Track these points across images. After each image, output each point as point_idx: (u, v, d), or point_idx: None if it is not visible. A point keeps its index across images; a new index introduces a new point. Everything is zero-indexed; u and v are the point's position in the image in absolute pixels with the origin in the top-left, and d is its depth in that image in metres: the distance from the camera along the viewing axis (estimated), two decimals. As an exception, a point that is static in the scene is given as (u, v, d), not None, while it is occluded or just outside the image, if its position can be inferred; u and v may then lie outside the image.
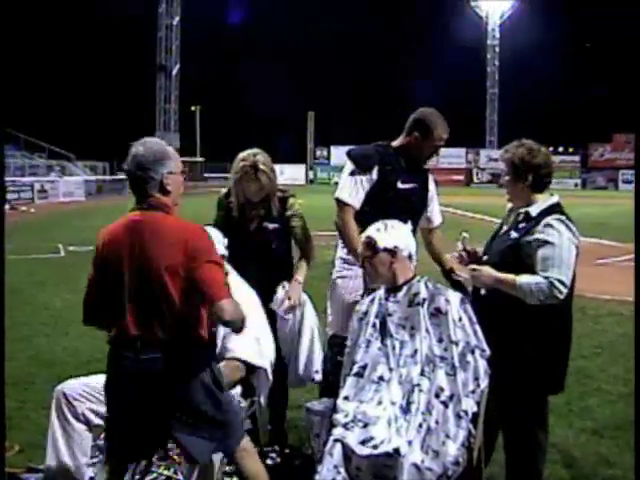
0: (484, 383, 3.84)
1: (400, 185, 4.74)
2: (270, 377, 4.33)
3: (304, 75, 72.88)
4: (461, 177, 69.69)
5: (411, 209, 4.78)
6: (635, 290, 3.54)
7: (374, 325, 4.04)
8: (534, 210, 4.14)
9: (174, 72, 58.82)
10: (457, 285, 4.70)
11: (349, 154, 4.88)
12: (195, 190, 56.38)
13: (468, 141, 71.60)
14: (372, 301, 4.14)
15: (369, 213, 4.56)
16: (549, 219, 4.04)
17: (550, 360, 4.13)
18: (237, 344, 4.18)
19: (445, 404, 3.74)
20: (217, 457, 3.89)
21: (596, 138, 62.75)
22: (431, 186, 5.04)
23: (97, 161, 53.77)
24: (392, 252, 4.04)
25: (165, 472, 4.60)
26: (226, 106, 72.59)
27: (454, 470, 3.61)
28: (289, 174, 55.64)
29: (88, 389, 4.17)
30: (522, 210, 4.19)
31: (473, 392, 3.80)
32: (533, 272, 3.98)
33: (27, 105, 56.22)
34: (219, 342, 4.22)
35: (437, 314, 3.94)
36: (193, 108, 67.23)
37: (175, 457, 4.80)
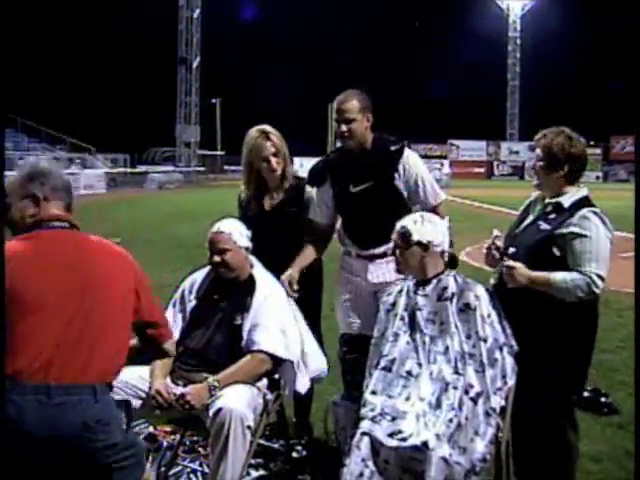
0: (511, 381, 3.81)
1: (352, 189, 4.65)
2: (296, 370, 4.31)
3: (323, 67, 72.71)
4: (482, 170, 69.49)
5: (372, 208, 4.61)
6: (635, 288, 3.52)
7: (402, 318, 4.01)
8: (566, 201, 4.00)
9: (194, 65, 58.84)
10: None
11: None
12: (215, 182, 56.76)
13: (489, 134, 71.39)
14: (400, 292, 4.11)
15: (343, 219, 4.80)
16: (585, 212, 3.91)
17: (578, 356, 4.04)
18: (263, 337, 4.17)
19: (474, 401, 3.71)
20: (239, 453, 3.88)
21: (618, 131, 62.25)
22: (408, 170, 4.66)
23: (118, 153, 53.92)
24: (425, 247, 3.98)
25: (190, 465, 4.64)
26: (246, 99, 72.55)
27: (481, 467, 3.58)
28: (309, 167, 55.58)
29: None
30: (552, 200, 4.06)
31: (500, 389, 3.77)
32: (564, 266, 3.89)
33: (48, 98, 56.51)
34: (244, 335, 4.21)
35: (466, 310, 3.90)
36: (214, 101, 67.20)
37: (200, 449, 4.85)
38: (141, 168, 53.03)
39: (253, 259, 4.48)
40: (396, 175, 4.59)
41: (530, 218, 4.19)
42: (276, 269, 4.57)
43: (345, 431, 4.01)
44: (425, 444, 3.46)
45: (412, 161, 4.69)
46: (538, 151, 4.07)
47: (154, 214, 26.12)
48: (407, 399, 3.77)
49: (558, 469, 4.13)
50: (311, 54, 72.66)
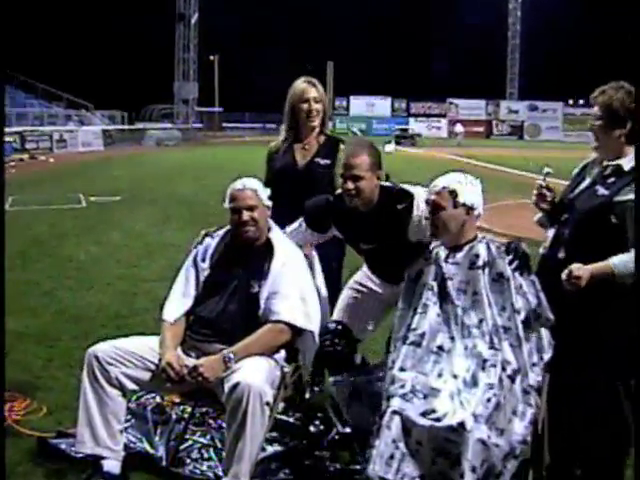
0: (547, 355, 3.56)
1: (363, 246, 4.34)
2: (317, 340, 4.07)
3: (323, 25, 71.94)
4: (481, 129, 69.20)
5: (388, 259, 4.29)
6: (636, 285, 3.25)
7: (432, 288, 3.73)
8: (627, 164, 3.61)
9: (193, 21, 57.95)
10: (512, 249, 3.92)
11: None
12: (214, 140, 56.39)
13: (488, 93, 70.85)
14: (427, 260, 3.82)
15: None
16: None
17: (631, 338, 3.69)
18: (282, 305, 3.91)
19: (512, 378, 3.45)
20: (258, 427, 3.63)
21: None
22: (420, 222, 4.27)
23: (115, 110, 53.31)
24: (469, 209, 3.72)
25: (201, 440, 4.39)
26: (245, 56, 71.82)
27: (521, 449, 3.32)
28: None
29: (121, 352, 3.89)
30: (611, 163, 3.67)
31: (536, 365, 3.52)
32: (621, 235, 3.50)
33: (45, 54, 55.79)
34: (262, 304, 3.95)
35: (499, 280, 3.63)
36: (212, 57, 66.39)
37: (210, 421, 4.59)
38: (139, 125, 52.52)
39: (271, 222, 4.21)
40: (408, 230, 4.13)
41: (586, 182, 3.79)
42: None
43: (349, 408, 3.92)
44: (462, 425, 3.18)
45: (420, 213, 4.31)
46: (596, 109, 3.66)
47: (153, 172, 25.75)
48: (439, 376, 3.50)
49: (614, 447, 3.79)
50: (311, 10, 71.77)
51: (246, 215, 4.03)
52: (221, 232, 4.29)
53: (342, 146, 4.91)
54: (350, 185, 4.01)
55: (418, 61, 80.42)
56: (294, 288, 3.96)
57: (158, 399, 4.76)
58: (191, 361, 3.83)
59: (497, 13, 70.54)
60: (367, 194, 4.04)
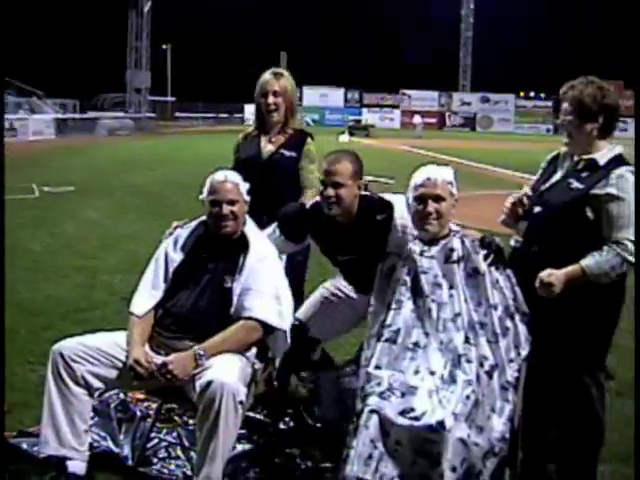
0: (525, 351, 3.53)
1: (340, 258, 4.26)
2: (288, 340, 3.97)
3: (276, 15, 71.69)
4: (434, 120, 69.29)
5: (364, 271, 4.16)
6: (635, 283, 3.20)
7: (405, 283, 3.68)
8: (601, 158, 3.58)
9: (146, 9, 57.11)
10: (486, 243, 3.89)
11: None
12: (167, 130, 55.85)
13: (441, 84, 71.27)
14: (399, 255, 3.76)
15: None
16: (622, 170, 3.49)
17: (608, 324, 3.67)
18: (255, 303, 3.81)
19: (489, 374, 3.42)
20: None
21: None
22: (402, 231, 4.25)
23: (66, 99, 52.47)
24: (455, 201, 3.73)
25: (167, 438, 4.29)
26: (198, 46, 71.27)
27: (500, 447, 3.28)
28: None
29: (87, 349, 3.76)
30: (584, 157, 3.63)
31: (512, 361, 3.49)
32: (595, 230, 3.49)
33: (-6, 40, 54.67)
34: (234, 300, 3.85)
35: (474, 274, 3.61)
36: (164, 46, 65.78)
37: (177, 418, 4.48)
38: (91, 114, 51.74)
39: (247, 217, 4.12)
40: (389, 240, 4.04)
41: (558, 175, 3.75)
42: (264, 217, 4.34)
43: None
44: (441, 424, 3.14)
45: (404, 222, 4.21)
46: (566, 105, 3.63)
47: (107, 162, 25.34)
48: (416, 372, 3.44)
49: (587, 442, 3.77)
50: (265, 0, 71.46)
51: (226, 209, 3.92)
52: (193, 224, 4.18)
53: (309, 140, 4.91)
54: (331, 192, 3.92)
55: (371, 52, 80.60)
56: (268, 285, 3.86)
57: (122, 396, 4.63)
58: (160, 358, 3.71)
59: (450, 5, 70.96)
60: (347, 203, 3.95)
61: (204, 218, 4.11)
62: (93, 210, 13.47)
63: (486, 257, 3.63)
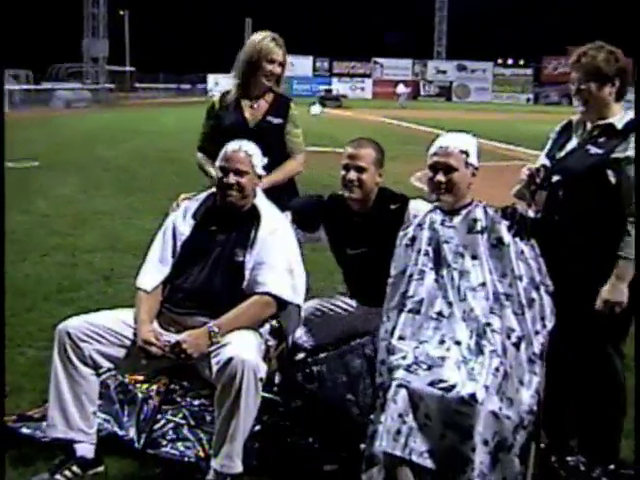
0: (550, 323, 3.59)
1: (349, 251, 4.34)
2: (302, 315, 4.05)
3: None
4: (406, 89, 69.19)
5: (373, 270, 4.20)
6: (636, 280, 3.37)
7: (427, 253, 3.73)
8: (618, 123, 3.67)
9: (102, -27, 56.48)
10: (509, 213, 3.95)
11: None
12: (126, 101, 55.37)
13: (415, 52, 71.25)
14: (421, 226, 3.82)
15: None
16: None
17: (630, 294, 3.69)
18: (269, 277, 3.85)
19: (517, 346, 3.47)
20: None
21: (550, 51, 62.64)
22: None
23: (19, 69, 51.73)
24: (475, 170, 3.79)
25: (174, 419, 4.32)
26: (157, 12, 70.50)
27: (529, 420, 3.34)
28: (224, 85, 55.00)
29: (95, 328, 3.77)
30: (600, 123, 3.72)
31: (538, 333, 3.55)
32: (615, 194, 3.58)
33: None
34: (247, 274, 3.89)
35: (498, 245, 3.66)
36: (122, 12, 64.99)
37: (179, 399, 4.51)
38: (46, 85, 51.08)
39: (259, 191, 4.17)
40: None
41: (573, 143, 3.84)
42: None
43: None
44: (473, 396, 3.17)
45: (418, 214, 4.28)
46: (579, 74, 3.73)
47: (69, 135, 25.08)
48: (441, 342, 3.50)
49: (610, 413, 3.87)
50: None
51: (232, 178, 3.96)
52: (202, 195, 4.21)
53: (292, 105, 4.98)
54: (353, 175, 4.14)
55: (341, 18, 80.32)
56: (281, 259, 3.90)
57: (120, 377, 4.63)
58: (172, 336, 3.75)
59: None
60: (368, 188, 4.17)
61: (214, 189, 4.14)
62: (63, 186, 13.40)
63: (510, 227, 3.69)
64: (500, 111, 50.60)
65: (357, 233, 4.25)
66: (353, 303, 4.44)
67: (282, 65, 4.89)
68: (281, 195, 4.53)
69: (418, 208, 4.09)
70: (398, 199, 4.24)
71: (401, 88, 58.74)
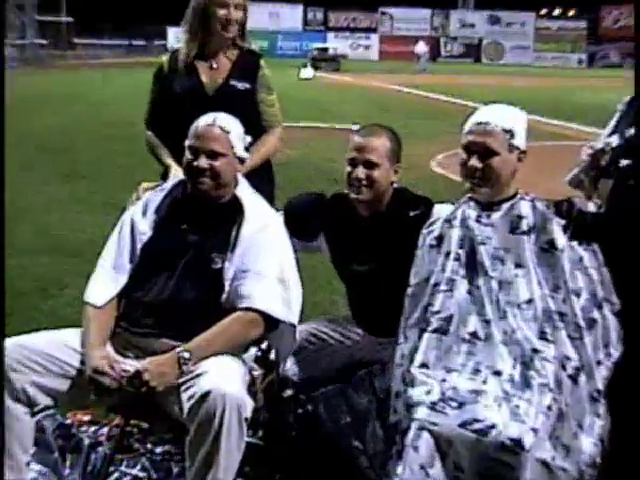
0: (617, 351, 3.60)
1: (356, 267, 4.33)
2: (297, 336, 4.06)
3: None
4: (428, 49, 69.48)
5: (384, 292, 4.26)
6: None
7: (458, 258, 3.75)
8: None
9: None
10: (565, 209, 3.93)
11: None
12: (63, 61, 55.31)
13: (434, 0, 71.34)
14: (450, 222, 3.85)
15: None
16: None
17: None
18: (254, 289, 3.85)
19: (574, 379, 3.48)
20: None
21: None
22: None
23: None
24: (521, 154, 3.79)
25: (131, 471, 4.36)
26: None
27: (590, 475, 3.36)
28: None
29: (29, 353, 3.75)
30: None
31: (600, 363, 3.56)
32: None
33: None
34: (227, 285, 3.90)
35: (550, 250, 3.67)
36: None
37: (137, 445, 4.54)
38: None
39: (244, 182, 4.19)
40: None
41: None
42: None
43: None
44: (518, 442, 3.19)
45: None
46: None
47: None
48: (476, 372, 3.52)
49: None
50: None
51: (204, 162, 3.96)
52: (168, 184, 4.24)
53: (263, 63, 4.99)
54: (361, 172, 4.07)
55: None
56: (271, 265, 3.91)
57: (59, 417, 4.64)
58: (131, 363, 3.74)
59: None
60: (380, 188, 4.11)
61: (181, 176, 4.16)
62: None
63: (566, 227, 3.70)
64: (545, 76, 50.73)
65: (366, 244, 4.22)
66: (359, 331, 4.45)
67: (240, 7, 4.85)
68: (258, 183, 4.49)
69: None
70: (419, 203, 4.17)
71: (421, 47, 58.70)
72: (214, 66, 4.92)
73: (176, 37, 59.00)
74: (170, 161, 4.77)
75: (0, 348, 3.42)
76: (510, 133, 3.73)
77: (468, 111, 3.94)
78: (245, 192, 4.11)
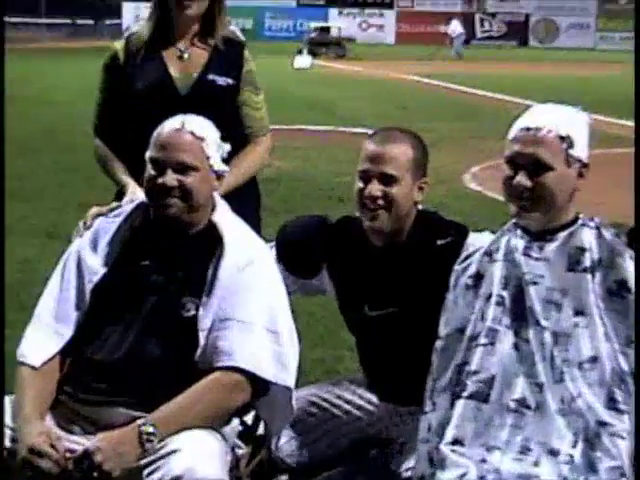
0: None
1: (369, 312, 4.34)
2: (294, 403, 4.05)
3: None
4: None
5: (404, 344, 4.29)
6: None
7: (501, 302, 3.77)
8: None
9: None
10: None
11: None
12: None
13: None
14: (491, 255, 3.87)
15: None
16: None
17: None
18: (237, 342, 3.88)
19: None
20: None
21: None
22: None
23: None
24: (583, 168, 3.77)
25: None
26: None
27: None
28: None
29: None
30: None
31: None
32: None
33: None
34: (202, 339, 3.90)
35: (621, 292, 3.67)
36: None
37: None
38: None
39: (216, 196, 4.20)
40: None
41: None
42: None
43: None
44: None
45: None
46: None
47: None
48: (525, 451, 3.53)
49: None
50: None
51: (172, 178, 3.97)
52: (126, 209, 4.25)
53: (248, 54, 5.03)
54: (377, 190, 4.03)
55: None
56: (258, 311, 3.93)
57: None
58: (78, 441, 3.77)
59: None
60: (401, 210, 4.09)
61: (143, 198, 4.19)
62: None
63: None
64: (610, 61, 50.79)
65: (381, 283, 4.22)
66: (372, 398, 4.47)
67: None
68: (239, 205, 4.50)
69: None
70: (450, 230, 4.16)
71: (456, 26, 58.62)
72: (185, 56, 4.92)
73: (135, 14, 59.27)
74: (126, 178, 4.75)
75: (0, 348, 3.63)
76: (568, 141, 3.72)
77: (513, 110, 3.96)
78: (224, 217, 4.13)
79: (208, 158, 4.03)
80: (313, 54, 48.02)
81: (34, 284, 4.17)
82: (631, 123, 21.60)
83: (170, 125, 4.04)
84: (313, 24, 61.69)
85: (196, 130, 4.02)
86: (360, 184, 4.06)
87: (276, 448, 4.26)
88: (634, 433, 3.40)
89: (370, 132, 4.27)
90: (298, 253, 4.35)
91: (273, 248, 4.36)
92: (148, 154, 4.05)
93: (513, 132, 3.78)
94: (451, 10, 70.29)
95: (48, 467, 3.63)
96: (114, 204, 4.37)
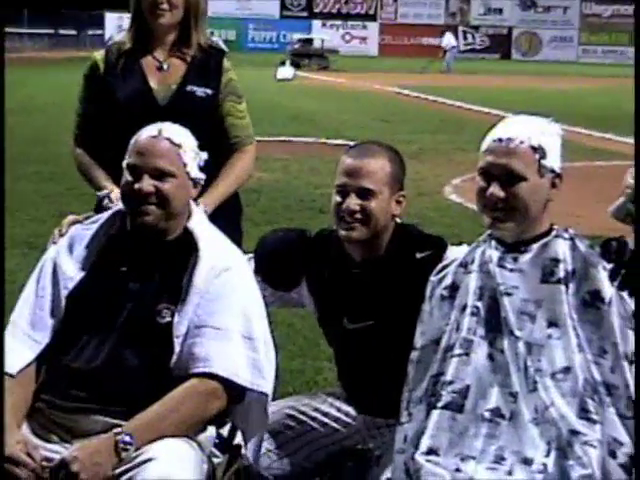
0: None
1: (348, 325, 4.35)
2: (269, 410, 4.06)
3: None
4: (437, 41, 69.74)
5: (382, 357, 4.30)
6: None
7: (476, 312, 3.78)
8: None
9: None
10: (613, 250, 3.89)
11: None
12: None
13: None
14: (465, 267, 3.88)
15: None
16: None
17: None
18: (213, 349, 3.88)
19: (627, 469, 3.48)
20: None
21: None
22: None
23: None
24: (556, 178, 3.78)
25: None
26: None
27: None
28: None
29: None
30: None
31: None
32: None
33: None
34: (177, 345, 3.90)
35: (594, 303, 3.67)
36: None
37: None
38: None
39: (192, 205, 4.21)
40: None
41: None
42: None
43: None
44: None
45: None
46: None
47: None
48: (499, 460, 3.54)
49: None
50: None
51: (149, 184, 3.97)
52: (103, 216, 4.25)
53: (226, 62, 5.03)
54: (354, 204, 4.05)
55: None
56: (234, 317, 3.94)
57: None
58: (55, 449, 3.76)
59: None
60: (379, 224, 4.10)
61: (120, 206, 4.19)
62: None
63: (614, 273, 3.69)
64: (593, 76, 50.86)
65: (360, 296, 4.22)
66: (350, 410, 4.46)
67: None
68: (218, 215, 4.57)
69: None
70: (428, 243, 4.18)
71: (449, 39, 58.44)
72: (164, 67, 4.93)
73: (118, 25, 59.19)
74: (111, 185, 4.70)
75: (0, 347, 3.57)
76: (540, 151, 3.73)
77: (495, 122, 3.95)
78: (200, 225, 4.14)
79: (185, 165, 4.03)
80: (296, 65, 48.04)
81: (14, 293, 4.13)
82: (614, 136, 21.77)
83: (147, 132, 4.05)
84: (296, 35, 61.76)
85: (173, 137, 4.03)
86: (338, 198, 4.07)
87: (254, 461, 4.20)
88: (634, 437, 3.41)
89: (352, 144, 4.28)
90: (277, 266, 4.35)
91: (252, 260, 4.36)
92: (125, 161, 4.05)
93: (486, 143, 3.79)
94: (434, 22, 70.40)
95: (24, 476, 3.63)
96: (91, 213, 4.35)
